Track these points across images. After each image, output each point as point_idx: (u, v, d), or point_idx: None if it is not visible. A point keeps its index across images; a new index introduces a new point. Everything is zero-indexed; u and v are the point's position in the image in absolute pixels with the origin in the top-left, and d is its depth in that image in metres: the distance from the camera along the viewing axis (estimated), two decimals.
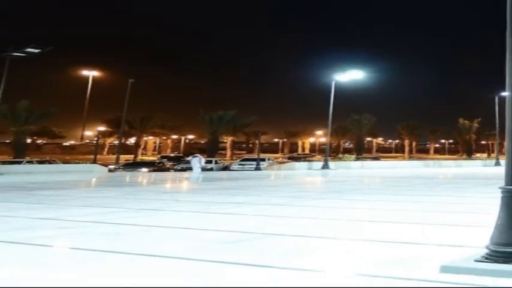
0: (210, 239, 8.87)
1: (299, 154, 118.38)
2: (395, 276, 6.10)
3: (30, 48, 37.06)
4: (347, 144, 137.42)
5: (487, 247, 6.57)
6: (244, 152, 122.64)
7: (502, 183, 6.69)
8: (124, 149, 79.80)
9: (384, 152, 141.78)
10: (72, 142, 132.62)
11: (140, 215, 12.34)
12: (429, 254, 7.32)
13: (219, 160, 63.73)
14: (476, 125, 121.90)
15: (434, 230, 9.87)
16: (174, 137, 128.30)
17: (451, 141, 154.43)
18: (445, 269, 6.24)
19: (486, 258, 6.45)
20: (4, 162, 50.48)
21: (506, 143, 6.99)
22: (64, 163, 54.40)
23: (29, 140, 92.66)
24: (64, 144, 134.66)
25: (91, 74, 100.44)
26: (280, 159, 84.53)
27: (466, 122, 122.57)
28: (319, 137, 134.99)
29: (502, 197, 6.64)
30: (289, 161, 74.01)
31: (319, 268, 6.56)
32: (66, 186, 23.24)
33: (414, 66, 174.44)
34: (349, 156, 74.70)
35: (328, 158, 53.09)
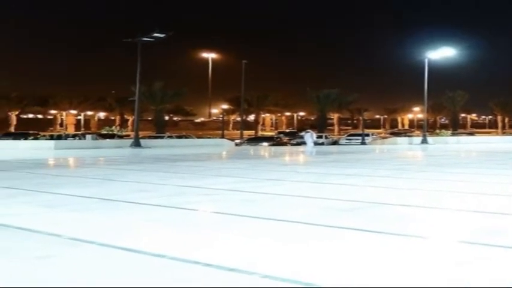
0: (327, 206, 9.02)
1: (399, 130, 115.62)
2: (494, 244, 6.04)
3: (156, 33, 38.07)
4: (443, 120, 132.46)
5: None
6: (350, 127, 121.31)
7: None
8: (245, 125, 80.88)
9: (477, 127, 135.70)
10: (202, 119, 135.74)
11: (266, 184, 12.71)
12: None
13: (329, 135, 63.53)
14: None
15: None
16: (288, 114, 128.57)
17: None
18: None
19: None
20: (150, 137, 52.84)
21: None
22: (198, 138, 56.08)
23: (166, 118, 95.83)
24: (196, 121, 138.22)
25: (210, 56, 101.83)
26: (382, 135, 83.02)
27: None
28: (417, 113, 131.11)
29: None
30: (391, 136, 72.63)
31: (424, 235, 6.59)
32: (203, 158, 24.11)
33: (505, 41, 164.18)
34: (446, 131, 72.13)
35: (426, 133, 51.66)
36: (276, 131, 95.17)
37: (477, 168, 17.83)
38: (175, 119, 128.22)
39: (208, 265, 5.00)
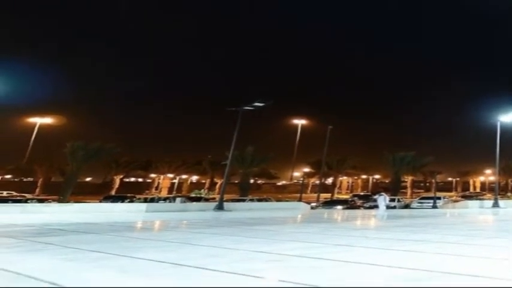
0: (393, 275, 8.25)
1: (471, 193, 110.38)
2: None
3: (257, 102, 38.37)
4: None
5: None
6: (422, 190, 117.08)
7: None
8: (323, 188, 79.79)
9: None
10: (284, 182, 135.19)
11: (336, 250, 11.92)
12: None
13: (401, 198, 61.27)
14: None
15: None
16: (364, 176, 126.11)
17: None
18: None
19: None
20: (233, 200, 52.85)
21: None
22: (277, 201, 55.56)
23: (251, 181, 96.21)
24: (278, 184, 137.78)
25: (300, 122, 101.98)
26: (454, 198, 79.33)
27: None
28: (488, 175, 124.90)
29: None
30: (462, 199, 69.24)
31: None
32: (278, 221, 23.49)
33: None
34: None
35: (498, 196, 48.76)
36: (351, 194, 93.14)
37: None
38: (259, 182, 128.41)
39: None
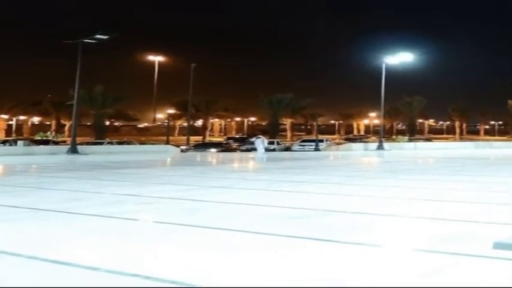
0: (276, 214, 9.00)
1: (355, 135, 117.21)
2: (451, 251, 6.13)
3: (99, 34, 37.85)
4: (399, 125, 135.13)
5: None
6: (303, 133, 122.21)
7: None
8: (193, 130, 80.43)
9: (435, 133, 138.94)
10: (146, 124, 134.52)
11: (212, 192, 12.61)
12: (482, 232, 7.27)
13: (281, 141, 63.81)
14: None
15: (486, 208, 9.71)
16: (238, 119, 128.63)
17: (500, 122, 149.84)
18: (497, 246, 6.22)
19: None
20: (88, 143, 51.94)
21: None
22: (140, 144, 55.53)
23: (107, 123, 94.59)
24: (139, 126, 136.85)
25: (156, 59, 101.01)
26: (337, 140, 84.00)
27: None
28: (373, 118, 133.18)
29: None
30: (346, 142, 73.57)
31: (378, 243, 6.64)
32: (145, 165, 23.85)
33: (463, 48, 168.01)
34: (402, 137, 73.67)
35: (382, 139, 52.54)
36: (225, 137, 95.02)
37: (434, 175, 18.18)
38: (116, 124, 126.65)
39: (147, 278, 4.93)
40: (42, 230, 7.55)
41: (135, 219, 8.67)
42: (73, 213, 9.03)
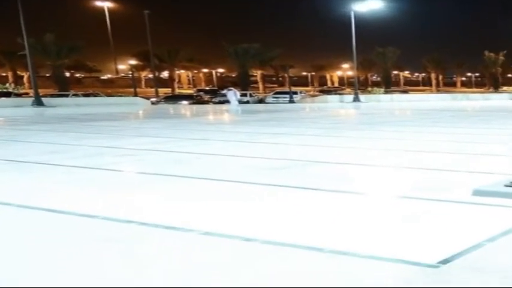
0: (258, 165, 9.36)
1: (329, 87, 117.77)
2: (431, 198, 6.59)
3: None
4: (374, 77, 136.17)
5: None
6: (275, 85, 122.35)
7: None
8: (160, 82, 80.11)
9: (411, 85, 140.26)
10: (109, 76, 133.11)
11: (191, 144, 12.96)
12: (461, 180, 7.74)
13: (254, 93, 64.04)
14: (502, 57, 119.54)
15: (465, 158, 10.25)
16: (205, 70, 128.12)
17: (477, 74, 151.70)
18: (477, 193, 6.69)
19: None
20: (52, 95, 51.60)
21: None
22: (108, 96, 55.34)
23: (67, 74, 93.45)
24: (102, 78, 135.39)
25: (105, 4, 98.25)
26: (311, 93, 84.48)
27: (492, 54, 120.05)
28: (346, 70, 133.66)
29: None
30: (321, 94, 74.11)
31: (363, 191, 7.09)
32: (118, 117, 24.00)
33: None
34: (378, 89, 74.51)
35: (358, 91, 53.13)
36: (195, 89, 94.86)
37: (412, 126, 18.76)
38: (77, 75, 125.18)
39: (143, 224, 5.27)
40: (28, 181, 7.82)
41: (120, 170, 9.01)
42: (56, 164, 9.29)
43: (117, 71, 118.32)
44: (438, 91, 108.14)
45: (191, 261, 4.23)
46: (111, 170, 8.87)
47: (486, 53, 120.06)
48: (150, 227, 5.19)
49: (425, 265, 4.07)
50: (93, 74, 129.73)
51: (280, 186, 7.34)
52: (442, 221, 5.46)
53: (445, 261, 4.15)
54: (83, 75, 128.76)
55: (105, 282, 3.76)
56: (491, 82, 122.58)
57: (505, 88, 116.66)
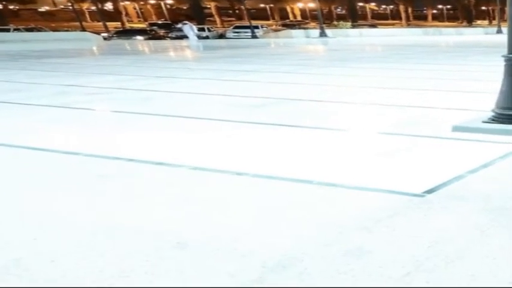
0: (231, 103, 9.80)
1: (292, 21, 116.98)
2: (412, 133, 7.13)
3: None
4: (339, 10, 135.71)
5: (492, 110, 7.49)
6: (232, 19, 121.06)
7: (505, 51, 7.28)
8: (105, 15, 78.83)
9: (379, 19, 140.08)
10: (47, 8, 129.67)
11: (158, 82, 13.26)
12: (440, 116, 8.25)
13: (212, 27, 63.67)
14: None
15: (442, 95, 10.82)
16: (153, 2, 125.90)
17: (448, 7, 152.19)
18: (456, 129, 7.24)
19: (492, 120, 7.44)
20: None
21: (508, 9, 7.33)
22: (53, 31, 54.41)
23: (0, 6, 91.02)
24: (40, 10, 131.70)
25: None
26: (274, 27, 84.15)
27: None
28: (307, 1, 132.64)
29: (505, 65, 7.40)
30: (284, 28, 73.90)
31: (343, 127, 7.58)
32: (72, 54, 23.97)
33: None
34: (345, 23, 74.41)
35: (323, 25, 53.30)
36: (147, 23, 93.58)
37: (385, 63, 19.23)
38: (11, 7, 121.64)
39: (131, 160, 5.70)
40: (1, 121, 8.15)
41: (91, 109, 9.34)
42: (22, 104, 9.59)
43: (54, 3, 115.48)
44: (409, 25, 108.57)
45: (191, 195, 4.69)
46: (82, 108, 9.21)
47: None
48: (139, 163, 5.62)
49: (412, 194, 4.64)
50: (29, 6, 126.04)
51: (258, 123, 7.81)
52: (424, 155, 6.01)
53: (430, 191, 4.71)
54: (17, 7, 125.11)
55: (106, 216, 4.22)
56: (464, 15, 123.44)
57: (478, 22, 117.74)
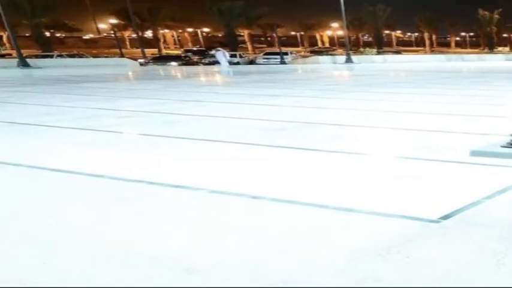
0: (255, 127, 9.64)
1: (320, 48, 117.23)
2: (430, 158, 6.91)
3: None
4: (365, 37, 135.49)
5: (511, 135, 7.31)
6: (264, 45, 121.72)
7: None
8: (144, 42, 79.54)
9: (404, 45, 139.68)
10: (91, 35, 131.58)
11: (187, 106, 13.20)
12: (459, 141, 8.01)
13: (243, 54, 63.92)
14: (496, 16, 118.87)
15: (462, 119, 10.53)
16: (190, 30, 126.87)
17: (471, 34, 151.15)
18: (474, 153, 7.02)
19: (511, 145, 7.22)
20: (37, 56, 51.34)
21: None
22: (93, 57, 55.15)
23: (47, 34, 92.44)
24: (84, 37, 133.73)
25: None
26: (302, 53, 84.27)
27: (486, 13, 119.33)
28: (336, 29, 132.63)
29: None
30: (312, 54, 74.01)
31: (364, 152, 7.39)
32: (108, 79, 24.13)
33: None
34: (371, 50, 74.32)
35: (350, 52, 53.24)
36: (182, 50, 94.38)
37: (408, 88, 19.01)
38: (58, 35, 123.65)
39: (152, 183, 5.56)
40: (30, 143, 8.07)
41: (119, 132, 9.25)
42: (53, 126, 9.55)
43: (98, 31, 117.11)
44: (432, 51, 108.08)
45: (205, 218, 4.54)
46: (110, 131, 9.11)
47: (480, 11, 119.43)
48: (159, 186, 5.49)
49: (427, 220, 4.42)
50: (74, 34, 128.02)
51: (280, 147, 7.63)
52: (441, 180, 5.78)
53: (445, 217, 4.49)
54: (64, 35, 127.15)
55: (118, 241, 4.08)
56: (486, 42, 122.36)
57: (500, 48, 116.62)
